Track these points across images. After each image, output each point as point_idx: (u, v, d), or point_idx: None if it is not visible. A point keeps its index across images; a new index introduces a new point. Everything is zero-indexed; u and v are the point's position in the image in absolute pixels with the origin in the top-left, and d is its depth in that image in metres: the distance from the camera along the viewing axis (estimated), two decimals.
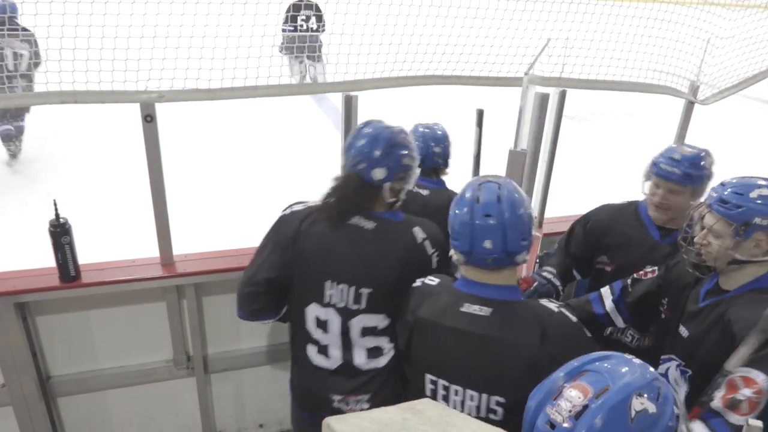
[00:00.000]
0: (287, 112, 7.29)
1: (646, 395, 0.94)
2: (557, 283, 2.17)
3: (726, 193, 1.56)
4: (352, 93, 2.21)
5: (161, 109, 2.09)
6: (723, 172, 2.09)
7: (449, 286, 1.56)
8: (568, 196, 3.24)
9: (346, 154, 1.76)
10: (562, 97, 2.48)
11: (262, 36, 2.10)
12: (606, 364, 0.99)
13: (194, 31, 2.00)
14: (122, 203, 4.74)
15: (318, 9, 6.31)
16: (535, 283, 2.14)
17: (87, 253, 2.29)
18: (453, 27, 2.48)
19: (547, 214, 2.74)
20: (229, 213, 4.89)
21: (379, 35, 2.34)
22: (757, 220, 1.51)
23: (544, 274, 2.20)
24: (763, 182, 1.55)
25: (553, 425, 0.94)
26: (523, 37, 2.51)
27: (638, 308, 1.89)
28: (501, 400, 1.44)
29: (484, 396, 1.45)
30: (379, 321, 1.74)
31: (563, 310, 1.52)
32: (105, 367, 2.47)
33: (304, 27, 6.59)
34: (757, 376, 1.39)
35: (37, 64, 4.65)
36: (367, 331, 1.75)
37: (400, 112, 3.58)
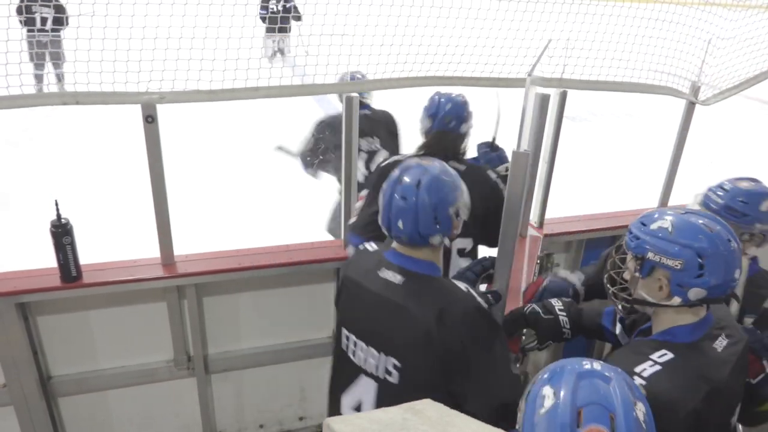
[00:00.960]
0: (287, 112, 7.29)
1: (639, 402, 1.00)
2: (574, 281, 2.05)
3: (634, 223, 1.45)
4: (353, 94, 2.21)
5: (162, 110, 2.09)
6: (722, 174, 2.10)
7: (380, 253, 1.69)
8: (569, 197, 3.24)
9: (433, 119, 2.25)
10: (563, 98, 2.48)
11: (262, 37, 2.10)
12: (590, 391, 1.00)
13: (195, 32, 2.00)
14: (123, 203, 4.75)
15: None
16: (545, 281, 2.05)
17: (88, 253, 2.29)
18: (454, 28, 2.48)
19: (548, 215, 2.74)
20: (230, 213, 4.90)
21: (380, 36, 2.34)
22: (650, 256, 1.37)
23: (561, 273, 2.12)
24: (668, 214, 1.39)
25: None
26: (524, 38, 2.51)
27: None
28: (397, 363, 1.54)
29: (383, 356, 1.57)
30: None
31: (473, 292, 1.56)
32: (106, 367, 2.47)
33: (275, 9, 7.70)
34: None
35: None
36: None
37: (401, 111, 3.59)
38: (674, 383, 1.28)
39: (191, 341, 2.50)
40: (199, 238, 2.78)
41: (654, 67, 2.78)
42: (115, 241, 3.79)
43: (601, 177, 5.73)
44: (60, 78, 4.55)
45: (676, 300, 1.36)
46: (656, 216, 1.41)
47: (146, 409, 2.61)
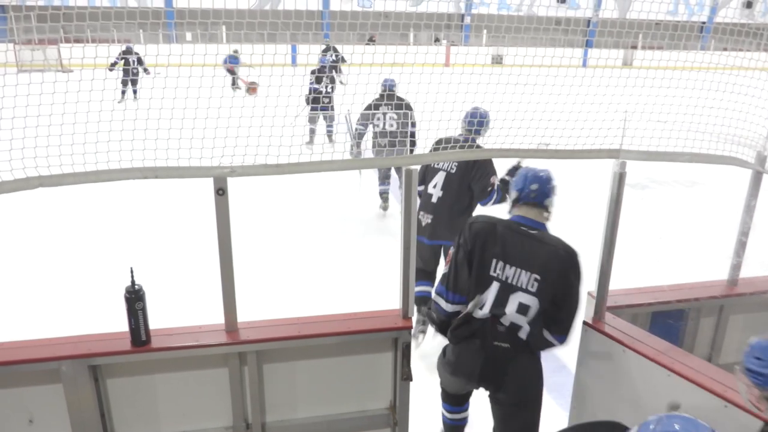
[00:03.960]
0: (345, 183, 7.51)
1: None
2: None
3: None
4: (412, 167, 2.28)
5: (231, 182, 2.22)
6: None
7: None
8: (631, 267, 3.15)
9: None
10: (623, 168, 2.47)
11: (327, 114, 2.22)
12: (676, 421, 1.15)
13: (265, 111, 2.15)
14: (189, 269, 4.95)
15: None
16: None
17: (155, 317, 2.39)
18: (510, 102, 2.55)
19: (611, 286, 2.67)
20: (291, 280, 5.00)
21: (438, 111, 2.43)
22: None
23: None
24: None
25: None
26: (590, 111, 2.55)
27: None
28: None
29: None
30: None
31: None
32: (166, 431, 2.51)
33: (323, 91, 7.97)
34: None
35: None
36: None
37: None
38: None
39: (250, 408, 2.52)
40: (261, 305, 2.85)
41: (717, 138, 2.74)
42: (180, 305, 3.92)
43: (662, 247, 5.55)
44: None
45: None
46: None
47: None
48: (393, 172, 6.93)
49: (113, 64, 11.47)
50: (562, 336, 2.41)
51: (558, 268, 2.33)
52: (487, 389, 2.51)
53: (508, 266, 2.35)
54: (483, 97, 2.47)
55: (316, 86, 7.57)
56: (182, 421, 2.52)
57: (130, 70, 11.90)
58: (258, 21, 2.37)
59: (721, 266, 2.93)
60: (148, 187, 4.54)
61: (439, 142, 3.49)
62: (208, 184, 2.19)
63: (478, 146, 3.33)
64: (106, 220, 6.46)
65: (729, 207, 2.84)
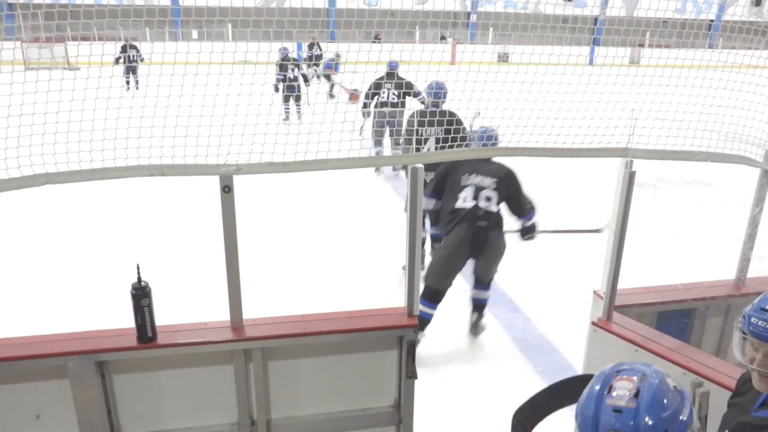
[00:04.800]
0: (355, 182, 7.52)
1: (670, 378, 1.16)
2: None
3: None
4: (418, 165, 2.28)
5: (237, 180, 2.23)
6: None
7: None
8: (637, 266, 3.14)
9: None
10: (630, 167, 2.46)
11: (333, 113, 2.23)
12: (628, 366, 1.19)
13: (272, 109, 2.15)
14: (196, 266, 4.96)
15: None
16: None
17: (162, 314, 2.40)
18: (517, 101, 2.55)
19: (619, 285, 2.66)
20: (297, 277, 5.01)
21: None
22: None
23: None
24: None
25: (619, 410, 1.09)
26: (596, 109, 2.53)
27: None
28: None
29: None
30: None
31: None
32: (172, 427, 2.52)
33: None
34: None
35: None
36: None
37: None
38: None
39: (255, 405, 2.53)
40: (266, 302, 2.86)
41: (725, 136, 2.73)
42: (186, 302, 3.94)
43: (670, 246, 5.52)
44: None
45: None
46: None
47: None
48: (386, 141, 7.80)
49: (117, 59, 12.42)
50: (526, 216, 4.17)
51: (503, 175, 4.01)
52: (471, 256, 4.01)
53: (475, 175, 4.00)
54: (489, 95, 2.46)
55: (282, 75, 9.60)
56: (188, 417, 2.53)
57: (129, 61, 13.30)
58: (264, 19, 2.37)
59: (729, 266, 2.91)
60: (155, 184, 4.54)
61: (413, 115, 5.34)
62: (214, 182, 2.19)
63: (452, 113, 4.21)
64: (112, 218, 6.49)
65: (737, 206, 2.82)
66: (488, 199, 3.95)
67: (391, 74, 7.92)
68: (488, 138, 3.67)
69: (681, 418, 1.10)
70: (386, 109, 7.67)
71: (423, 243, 7.03)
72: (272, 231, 6.12)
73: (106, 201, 6.76)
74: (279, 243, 5.82)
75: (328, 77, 11.83)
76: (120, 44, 12.35)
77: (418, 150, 4.94)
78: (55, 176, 2.07)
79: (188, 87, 2.07)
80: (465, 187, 3.98)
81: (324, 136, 2.22)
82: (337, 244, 5.87)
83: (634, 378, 1.13)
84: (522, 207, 4.13)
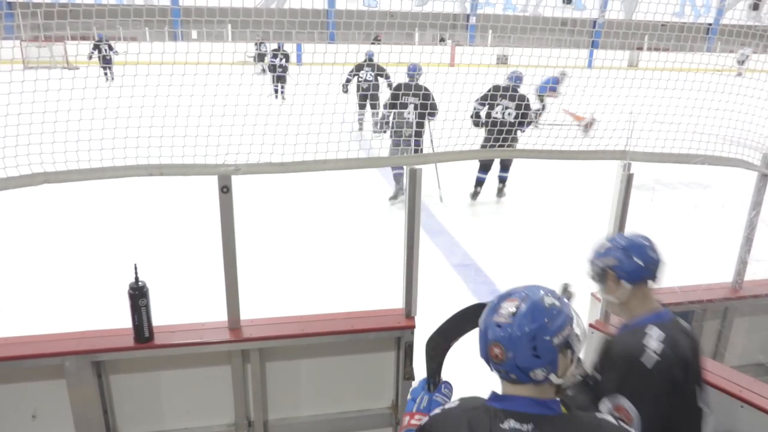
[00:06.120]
0: (353, 183, 7.53)
1: (551, 295, 1.35)
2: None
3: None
4: (417, 166, 2.28)
5: (235, 180, 2.22)
6: None
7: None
8: None
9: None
10: (628, 169, 2.47)
11: (332, 114, 2.23)
12: (519, 290, 1.38)
13: (270, 110, 2.15)
14: (194, 266, 4.96)
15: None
16: None
17: (159, 314, 2.40)
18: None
19: None
20: (295, 278, 5.00)
21: (443, 111, 2.43)
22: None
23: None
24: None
25: (499, 325, 1.32)
26: (595, 111, 2.54)
27: None
28: None
29: None
30: None
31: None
32: (169, 428, 2.52)
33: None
34: None
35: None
36: None
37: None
38: None
39: (252, 406, 2.53)
40: (264, 303, 2.85)
41: (723, 139, 2.74)
42: (184, 302, 3.93)
43: (666, 249, 5.53)
44: None
45: None
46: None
47: None
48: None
49: (90, 56, 13.75)
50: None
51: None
52: None
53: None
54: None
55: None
56: (185, 417, 2.53)
57: (103, 56, 14.21)
58: (264, 20, 2.37)
59: (726, 269, 2.92)
60: (153, 184, 4.55)
61: (398, 87, 6.80)
62: (212, 182, 2.19)
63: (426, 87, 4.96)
64: (110, 217, 6.47)
65: (734, 209, 2.83)
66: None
67: (370, 61, 10.41)
68: (517, 79, 5.60)
69: (549, 327, 1.30)
70: (368, 91, 10.36)
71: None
72: (270, 231, 6.12)
73: (104, 201, 6.74)
74: (277, 243, 5.81)
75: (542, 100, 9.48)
76: (123, 44, 12.92)
77: (401, 116, 6.67)
78: (53, 175, 2.07)
79: (187, 87, 2.07)
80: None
81: (323, 136, 2.22)
82: (334, 245, 5.87)
83: (517, 299, 1.34)
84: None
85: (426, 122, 6.36)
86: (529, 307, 1.31)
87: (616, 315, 1.96)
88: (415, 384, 1.71)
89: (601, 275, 1.88)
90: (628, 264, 1.81)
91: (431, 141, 5.72)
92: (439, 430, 1.38)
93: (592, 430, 1.29)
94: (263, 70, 11.58)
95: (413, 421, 1.59)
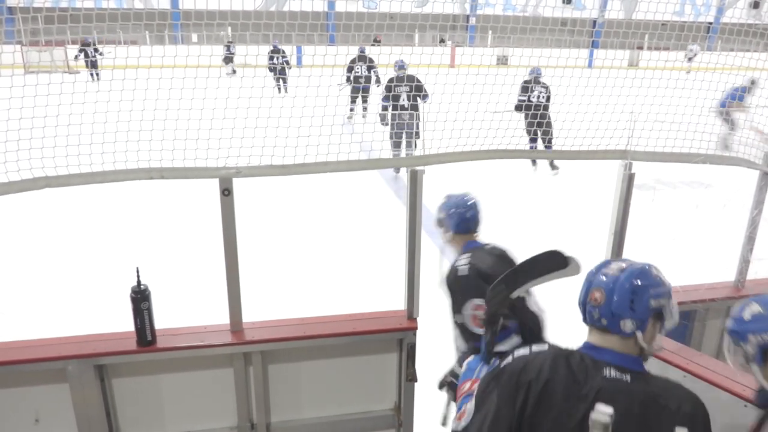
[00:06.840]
0: (355, 184, 7.52)
1: (659, 270, 1.44)
2: None
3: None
4: (418, 168, 2.28)
5: (237, 182, 2.23)
6: None
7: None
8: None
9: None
10: (629, 169, 2.46)
11: (333, 116, 2.23)
12: (629, 260, 1.48)
13: (271, 112, 2.15)
14: (196, 269, 4.96)
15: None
16: None
17: (161, 317, 2.40)
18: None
19: None
20: (297, 281, 5.00)
21: (443, 113, 2.43)
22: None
23: None
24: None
25: (606, 275, 1.43)
26: (595, 111, 2.53)
27: None
28: None
29: None
30: None
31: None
32: (171, 431, 2.52)
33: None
34: None
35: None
36: None
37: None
38: None
39: (255, 408, 2.53)
40: (266, 305, 2.85)
41: (724, 138, 2.73)
42: (186, 306, 3.93)
43: (668, 248, 5.51)
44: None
45: None
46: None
47: None
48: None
49: (77, 56, 14.40)
50: None
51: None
52: None
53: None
54: (488, 98, 2.47)
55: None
56: (187, 420, 2.52)
57: (89, 59, 14.73)
58: (264, 22, 2.38)
59: (728, 268, 2.91)
60: (154, 187, 4.55)
61: (390, 80, 7.73)
62: (214, 185, 2.19)
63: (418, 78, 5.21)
64: (112, 221, 6.48)
65: (736, 208, 2.82)
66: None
67: (362, 56, 11.11)
68: (537, 71, 6.51)
69: (651, 290, 1.39)
70: (361, 82, 11.37)
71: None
72: (272, 234, 6.12)
73: (105, 204, 6.75)
74: (278, 246, 5.81)
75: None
76: (125, 48, 13.19)
77: (395, 105, 7.64)
78: (54, 179, 2.08)
79: (188, 90, 2.07)
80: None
81: (323, 138, 2.22)
82: (336, 247, 5.87)
83: (627, 264, 1.44)
84: None
85: (420, 104, 6.85)
86: (639, 269, 1.43)
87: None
88: (470, 359, 1.84)
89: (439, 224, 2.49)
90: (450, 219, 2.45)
91: (423, 124, 5.72)
92: (529, 369, 1.42)
93: (673, 387, 1.39)
94: (233, 71, 11.66)
95: (474, 386, 1.63)
